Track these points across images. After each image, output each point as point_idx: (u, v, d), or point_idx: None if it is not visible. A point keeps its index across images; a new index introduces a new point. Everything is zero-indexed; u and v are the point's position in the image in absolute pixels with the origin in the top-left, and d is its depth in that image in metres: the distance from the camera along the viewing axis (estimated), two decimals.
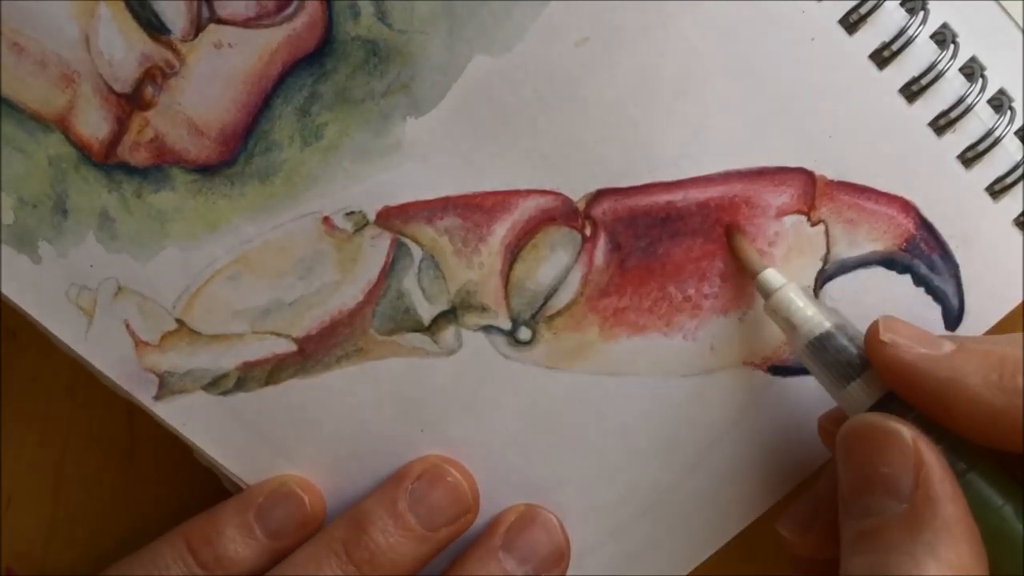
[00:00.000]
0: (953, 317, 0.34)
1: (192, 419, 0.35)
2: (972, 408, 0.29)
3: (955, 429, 0.29)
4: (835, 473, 0.30)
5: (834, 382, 0.31)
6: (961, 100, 0.33)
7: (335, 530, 0.34)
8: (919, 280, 0.34)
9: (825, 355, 0.31)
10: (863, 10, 0.32)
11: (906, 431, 0.29)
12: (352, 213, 0.34)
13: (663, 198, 0.34)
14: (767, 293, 0.32)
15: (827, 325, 0.31)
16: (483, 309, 0.34)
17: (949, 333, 0.30)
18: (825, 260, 0.34)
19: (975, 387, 0.29)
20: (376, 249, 0.34)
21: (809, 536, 0.33)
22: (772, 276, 0.32)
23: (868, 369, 0.31)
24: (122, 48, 0.32)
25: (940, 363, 0.29)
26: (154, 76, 0.33)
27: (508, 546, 0.34)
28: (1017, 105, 0.33)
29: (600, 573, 0.36)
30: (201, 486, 0.37)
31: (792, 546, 0.33)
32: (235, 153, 0.33)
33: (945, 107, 0.33)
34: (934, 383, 0.29)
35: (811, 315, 0.31)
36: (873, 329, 0.30)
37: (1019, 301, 0.34)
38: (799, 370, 0.35)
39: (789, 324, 0.32)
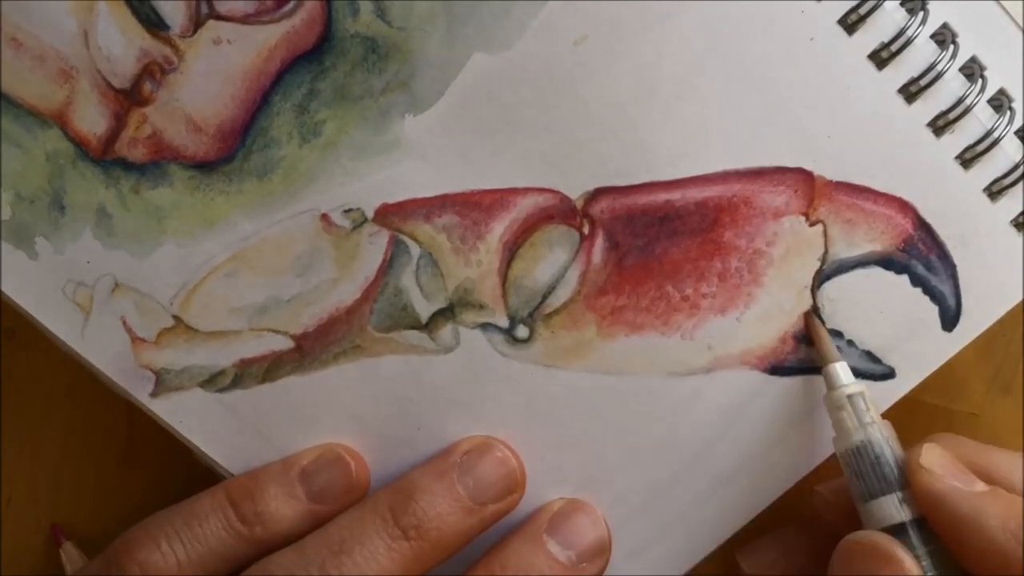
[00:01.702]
0: (950, 317, 0.34)
1: (188, 417, 0.35)
2: (986, 550, 0.29)
3: (969, 568, 0.30)
4: (808, 530, 0.32)
5: (864, 492, 0.32)
6: (960, 100, 0.33)
7: (381, 496, 0.34)
8: (917, 280, 0.34)
9: (863, 465, 0.32)
10: (862, 10, 0.32)
11: (909, 562, 0.30)
12: (350, 210, 0.34)
13: (661, 197, 0.34)
14: (831, 386, 0.33)
15: (876, 437, 0.32)
16: (481, 307, 0.34)
17: (985, 484, 0.31)
18: (823, 260, 0.34)
19: (992, 529, 0.29)
20: (374, 246, 0.34)
21: None
22: (840, 371, 0.33)
23: (900, 490, 0.31)
24: (121, 44, 0.32)
25: (967, 499, 0.30)
26: (152, 72, 0.33)
27: (552, 530, 0.34)
28: (1017, 105, 0.33)
29: None
30: (201, 486, 0.37)
31: None
32: (233, 150, 0.33)
33: (944, 107, 0.33)
34: (957, 517, 0.30)
35: (865, 422, 0.32)
36: (915, 452, 0.31)
37: (1017, 302, 0.34)
38: (797, 370, 0.35)
39: (840, 423, 0.33)
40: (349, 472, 0.34)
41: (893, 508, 0.31)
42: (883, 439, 0.32)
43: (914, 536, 0.31)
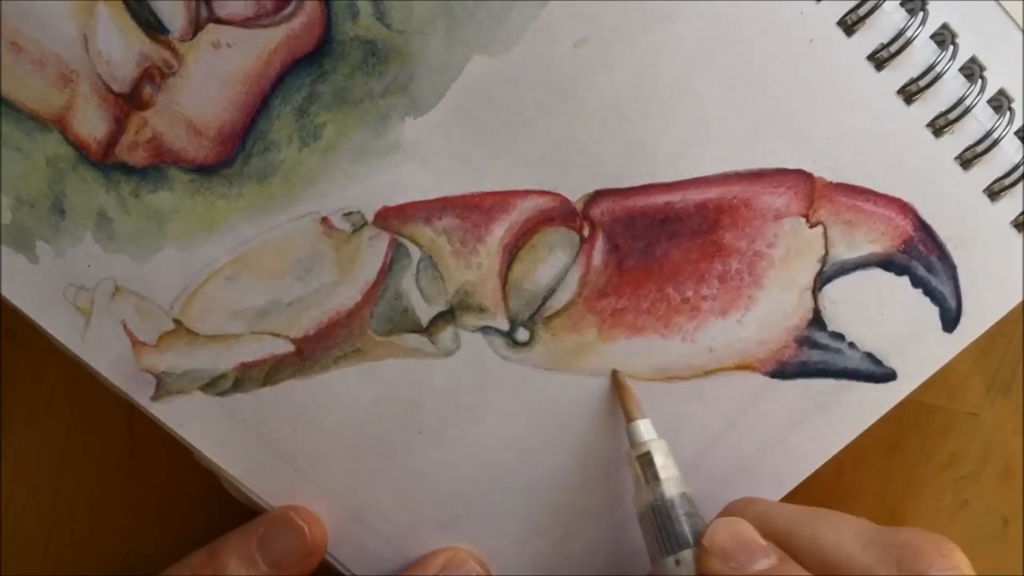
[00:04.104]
0: (951, 318, 0.34)
1: (189, 420, 0.35)
2: None
3: None
4: None
5: (657, 548, 0.32)
6: (960, 101, 0.33)
7: None
8: (917, 281, 0.34)
9: (659, 520, 0.32)
10: (861, 11, 0.32)
11: None
12: (350, 213, 0.34)
13: (661, 199, 0.34)
14: (634, 442, 0.33)
15: (673, 493, 0.32)
16: (481, 310, 0.34)
17: (775, 557, 0.31)
18: (823, 262, 0.34)
19: None
20: (374, 249, 0.34)
21: None
22: (644, 428, 0.33)
23: (687, 549, 0.31)
24: (120, 48, 0.32)
25: None
26: (152, 76, 0.33)
27: None
28: (1017, 106, 0.33)
29: (596, 574, 0.36)
30: (201, 486, 0.37)
31: None
32: (233, 153, 0.33)
33: (943, 108, 0.33)
34: None
35: (664, 478, 0.32)
36: (705, 531, 0.31)
37: (1017, 302, 0.34)
38: (798, 372, 0.35)
39: (642, 478, 0.33)
40: (303, 536, 0.35)
41: (678, 567, 0.31)
42: (684, 494, 0.32)
43: None
